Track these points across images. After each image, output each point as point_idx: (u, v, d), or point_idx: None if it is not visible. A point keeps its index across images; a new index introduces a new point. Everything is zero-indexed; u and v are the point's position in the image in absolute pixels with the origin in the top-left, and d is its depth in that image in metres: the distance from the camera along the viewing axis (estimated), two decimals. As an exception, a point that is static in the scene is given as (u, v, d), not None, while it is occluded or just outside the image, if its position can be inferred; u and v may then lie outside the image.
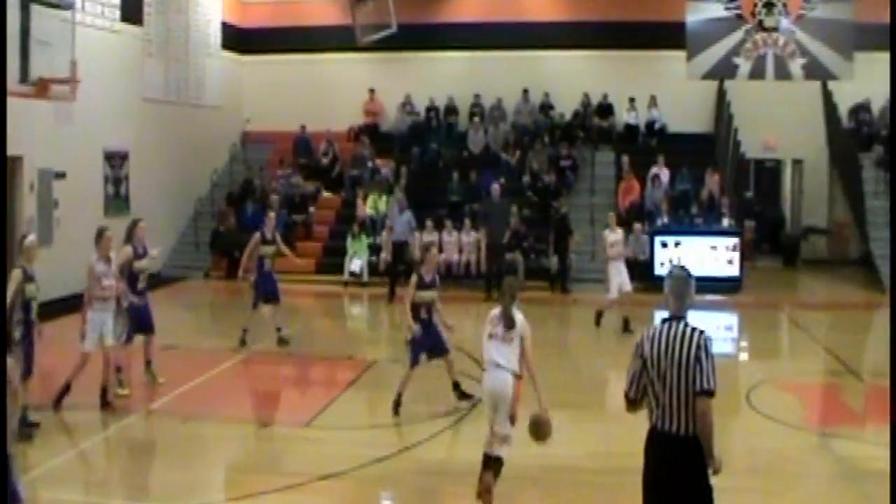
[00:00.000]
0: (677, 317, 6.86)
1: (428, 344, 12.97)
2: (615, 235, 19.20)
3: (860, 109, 28.99)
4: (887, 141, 28.07)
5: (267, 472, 10.81)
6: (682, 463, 6.68)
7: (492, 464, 9.21)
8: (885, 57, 27.65)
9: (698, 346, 6.65)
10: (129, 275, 13.94)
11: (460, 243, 24.94)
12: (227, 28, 30.15)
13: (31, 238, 12.36)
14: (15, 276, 11.53)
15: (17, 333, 11.55)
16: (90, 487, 10.33)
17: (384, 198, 26.07)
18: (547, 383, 14.89)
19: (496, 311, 9.94)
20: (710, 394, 6.62)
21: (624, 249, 19.57)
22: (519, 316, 9.40)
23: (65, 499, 9.86)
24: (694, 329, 6.74)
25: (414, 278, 13.04)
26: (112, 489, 10.48)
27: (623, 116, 29.64)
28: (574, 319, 22.41)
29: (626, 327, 18.99)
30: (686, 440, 6.66)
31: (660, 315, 19.91)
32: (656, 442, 6.79)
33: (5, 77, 14.86)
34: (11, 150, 19.80)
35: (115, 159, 24.18)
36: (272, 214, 18.74)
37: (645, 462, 6.88)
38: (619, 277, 19.03)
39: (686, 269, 7.12)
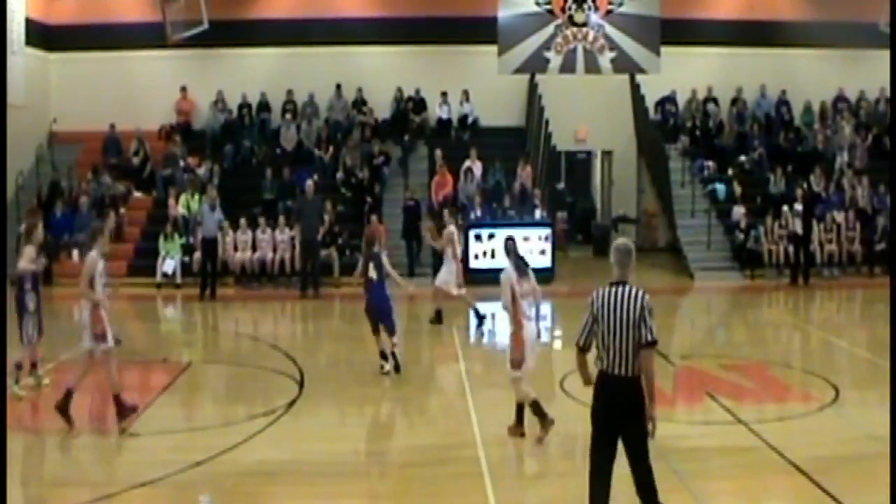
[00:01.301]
0: (622, 281, 8.17)
1: None
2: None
3: (666, 101, 30.05)
4: (690, 132, 29.18)
5: (78, 483, 10.51)
6: (628, 399, 8.03)
7: None
8: (690, 51, 28.95)
9: (643, 306, 8.03)
10: None
11: (275, 241, 24.79)
12: (31, 24, 29.09)
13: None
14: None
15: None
16: None
17: (197, 197, 25.70)
18: (361, 379, 15.13)
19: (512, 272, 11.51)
20: (654, 344, 8.01)
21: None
22: None
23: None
24: (638, 291, 8.11)
25: None
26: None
27: (436, 111, 29.90)
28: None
29: (438, 319, 19.38)
30: (631, 381, 8.01)
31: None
32: (606, 383, 8.11)
33: (5, 77, 14.23)
34: None
35: (-87, 163, 23.20)
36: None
37: (595, 400, 8.23)
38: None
39: (629, 243, 8.48)
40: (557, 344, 18.89)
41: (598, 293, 8.15)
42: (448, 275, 19.31)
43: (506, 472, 10.80)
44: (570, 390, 13.58)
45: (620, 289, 8.12)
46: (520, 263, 11.80)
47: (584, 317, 8.23)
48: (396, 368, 14.94)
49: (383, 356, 15.12)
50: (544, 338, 19.28)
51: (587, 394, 12.95)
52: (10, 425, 12.22)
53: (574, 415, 12.21)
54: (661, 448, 10.77)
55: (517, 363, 11.53)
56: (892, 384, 13.25)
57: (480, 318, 19.26)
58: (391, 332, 15.22)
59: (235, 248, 24.77)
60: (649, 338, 7.97)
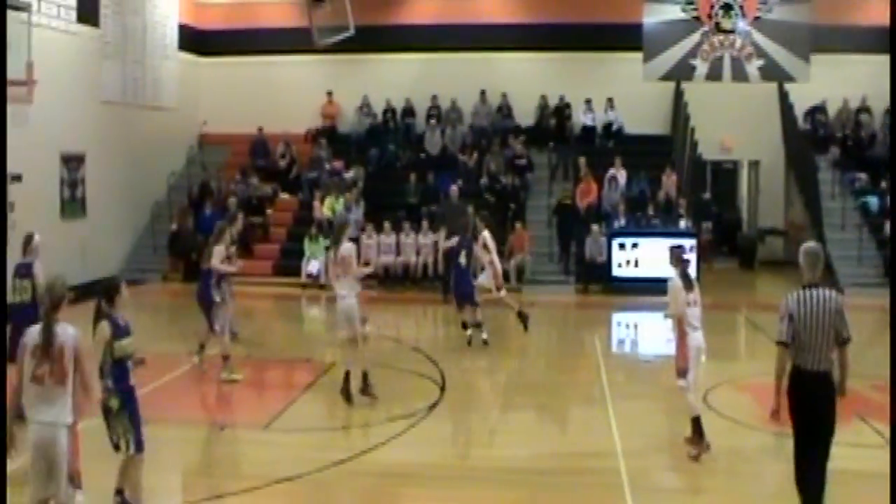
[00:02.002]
0: (815, 284, 8.58)
1: None
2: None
3: (816, 111, 29.24)
4: (841, 143, 28.40)
5: (224, 475, 10.75)
6: (825, 393, 8.52)
7: None
8: (841, 59, 28.08)
9: (838, 306, 8.48)
10: None
11: (418, 245, 24.93)
12: (183, 29, 29.95)
13: (38, 238, 13.57)
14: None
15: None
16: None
17: (341, 199, 26.01)
18: (501, 385, 15.10)
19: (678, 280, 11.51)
20: (849, 341, 8.51)
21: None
22: None
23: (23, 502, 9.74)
24: (831, 292, 8.57)
25: None
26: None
27: (580, 118, 29.70)
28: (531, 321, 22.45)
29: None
30: (827, 375, 8.47)
31: (617, 316, 20.11)
32: (805, 379, 8.47)
33: (5, 77, 14.75)
34: (-35, 153, 19.63)
35: (72, 162, 23.96)
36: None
37: (794, 394, 8.51)
38: None
39: (817, 246, 8.89)
40: (701, 357, 18.55)
41: (794, 295, 8.55)
42: (486, 278, 18.75)
43: (646, 485, 10.59)
44: (713, 404, 13.32)
45: (816, 291, 8.52)
46: (686, 272, 11.66)
47: (781, 317, 8.53)
48: (485, 342, 17.54)
49: (465, 326, 17.86)
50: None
51: (731, 408, 12.79)
52: (158, 416, 12.55)
53: (718, 430, 12.00)
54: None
55: (682, 371, 11.55)
56: (893, 384, 12.69)
57: (524, 319, 18.77)
58: (475, 306, 17.81)
59: (380, 251, 24.98)
60: (846, 335, 8.48)
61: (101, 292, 8.80)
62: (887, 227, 25.41)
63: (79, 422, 7.71)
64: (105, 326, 8.53)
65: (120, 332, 8.63)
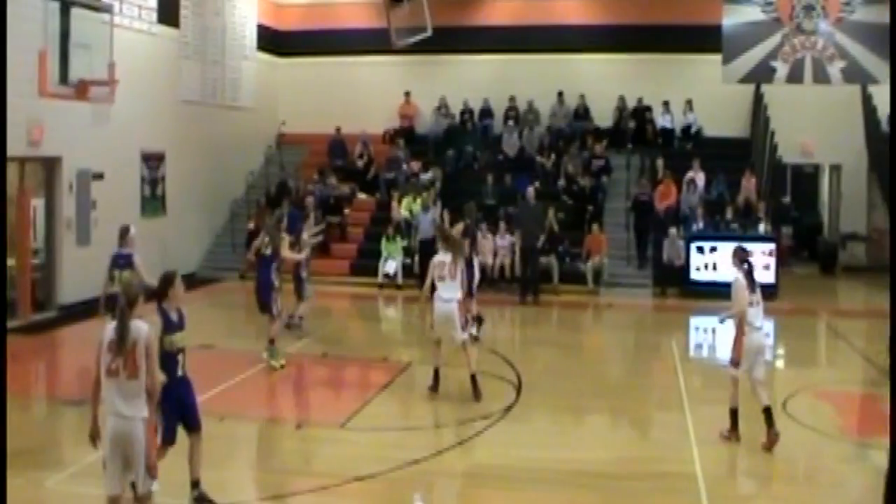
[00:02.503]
0: None
1: None
2: None
3: (901, 113, 28.73)
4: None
5: (300, 472, 10.84)
6: None
7: None
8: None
9: None
10: None
11: (495, 246, 24.88)
12: (262, 30, 30.24)
13: (134, 230, 14.32)
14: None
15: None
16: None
17: (418, 200, 26.05)
18: (577, 388, 15.03)
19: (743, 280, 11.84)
20: None
21: None
22: None
23: (101, 494, 9.89)
24: None
25: None
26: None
27: (658, 120, 29.47)
28: (607, 324, 22.36)
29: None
30: None
31: (695, 321, 19.77)
32: None
33: (5, 77, 14.99)
34: (51, 151, 20.05)
35: (152, 160, 24.31)
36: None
37: None
38: None
39: None
40: (780, 364, 18.31)
41: None
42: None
43: (723, 492, 10.49)
44: (793, 413, 13.15)
45: None
46: (750, 273, 11.99)
47: None
48: None
49: None
50: (767, 357, 18.86)
51: (811, 417, 12.61)
52: (236, 412, 12.66)
53: (796, 438, 11.85)
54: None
55: (735, 362, 11.80)
56: (892, 385, 12.39)
57: (480, 322, 18.64)
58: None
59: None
60: None
61: (158, 285, 9.18)
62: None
63: (153, 415, 7.90)
64: (156, 321, 8.84)
65: (171, 326, 9.03)
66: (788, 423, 12.79)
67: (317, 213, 24.84)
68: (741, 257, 12.27)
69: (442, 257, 14.08)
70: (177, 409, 9.19)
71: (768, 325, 20.58)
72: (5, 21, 14.15)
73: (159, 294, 9.13)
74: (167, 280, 9.14)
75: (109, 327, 7.85)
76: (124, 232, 14.07)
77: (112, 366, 7.71)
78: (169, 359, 8.94)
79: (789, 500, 10.18)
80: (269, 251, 15.94)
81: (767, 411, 11.66)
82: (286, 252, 16.20)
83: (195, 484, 9.32)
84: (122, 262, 13.76)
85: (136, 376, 7.70)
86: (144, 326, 7.84)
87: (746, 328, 11.70)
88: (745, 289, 11.76)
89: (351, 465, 10.69)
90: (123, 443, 7.70)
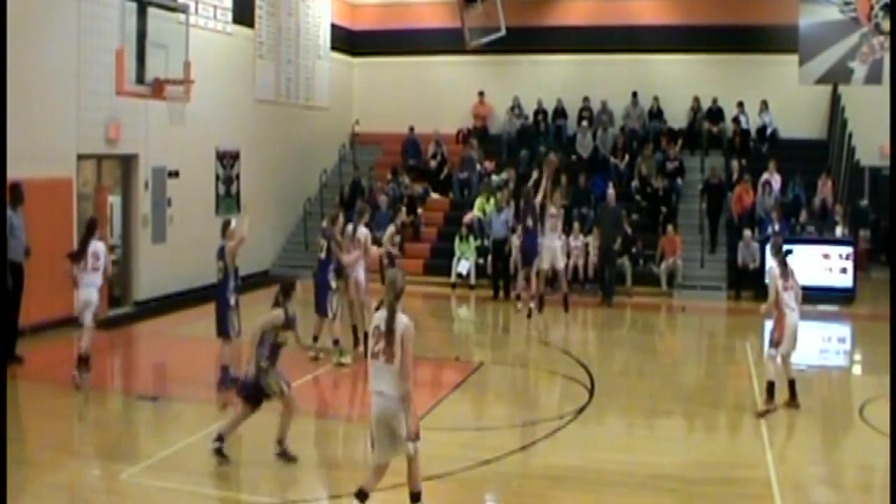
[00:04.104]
0: None
1: None
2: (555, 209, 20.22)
3: (983, 116, 28.21)
4: None
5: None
6: None
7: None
8: None
9: None
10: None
11: (568, 247, 24.80)
12: (336, 30, 30.42)
13: (235, 224, 14.61)
14: (230, 248, 14.07)
15: (232, 300, 14.04)
16: (199, 478, 10.47)
17: (492, 200, 26.04)
18: (650, 391, 14.94)
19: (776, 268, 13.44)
20: None
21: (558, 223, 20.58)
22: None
23: (177, 488, 10.03)
24: None
25: None
26: (220, 480, 10.61)
27: (732, 122, 29.18)
28: (680, 327, 22.20)
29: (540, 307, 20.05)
30: None
31: (770, 324, 19.57)
32: None
33: (5, 75, 15.17)
34: (128, 149, 20.36)
35: (227, 159, 24.56)
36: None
37: None
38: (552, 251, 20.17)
39: None
40: (857, 369, 18.06)
41: None
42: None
43: (798, 499, 10.36)
44: (869, 419, 12.96)
45: None
46: (784, 261, 13.51)
47: None
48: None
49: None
50: (842, 361, 18.64)
51: (887, 424, 12.39)
52: (308, 410, 12.75)
53: (873, 446, 11.69)
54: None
55: (776, 342, 13.41)
56: (892, 384, 12.02)
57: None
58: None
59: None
60: None
61: (280, 287, 11.05)
62: None
63: (409, 394, 8.68)
64: (280, 315, 10.72)
65: (288, 324, 10.80)
66: (865, 430, 12.64)
67: (389, 212, 25.05)
68: (777, 246, 13.82)
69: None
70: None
71: (845, 331, 20.41)
72: (5, 21, 14.36)
73: (284, 294, 10.91)
74: (291, 284, 11.14)
75: (378, 316, 8.85)
76: (226, 226, 14.49)
77: (376, 349, 8.76)
78: (276, 348, 10.71)
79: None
80: (322, 254, 16.37)
81: (792, 384, 13.39)
82: (344, 256, 16.41)
83: (280, 441, 10.87)
84: (220, 253, 14.22)
85: (392, 361, 8.66)
86: (405, 319, 8.77)
87: (786, 310, 13.25)
88: (779, 277, 13.30)
89: (424, 463, 10.64)
90: (385, 417, 8.74)
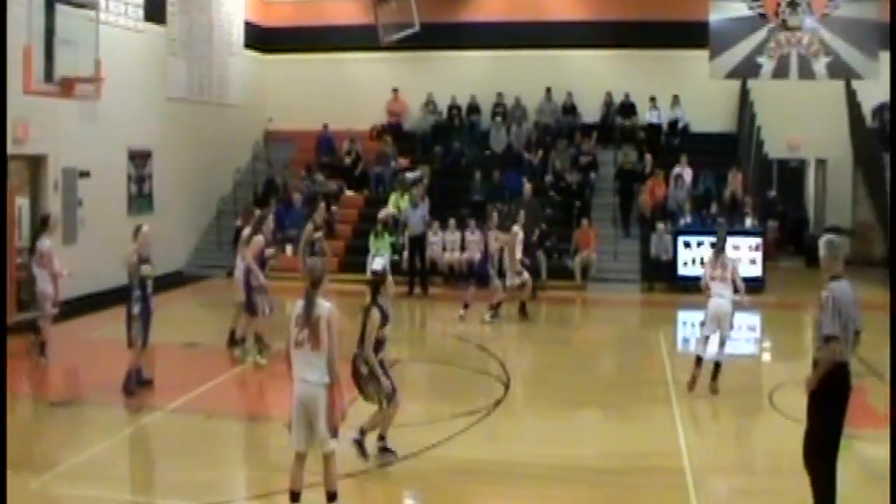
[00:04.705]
0: (840, 275, 8.72)
1: None
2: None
3: (884, 109, 28.83)
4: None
5: (281, 469, 10.79)
6: (850, 381, 8.70)
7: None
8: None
9: (857, 296, 8.70)
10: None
11: (483, 242, 24.91)
12: (250, 27, 30.20)
13: (146, 228, 14.06)
14: (130, 259, 13.59)
15: (135, 309, 13.60)
16: (114, 483, 10.36)
17: (407, 197, 26.05)
18: (566, 384, 15.07)
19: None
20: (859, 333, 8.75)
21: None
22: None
23: (88, 495, 9.91)
24: (850, 285, 8.72)
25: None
26: (136, 485, 10.53)
27: (645, 116, 29.53)
28: (595, 319, 22.42)
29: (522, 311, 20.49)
30: (848, 365, 8.68)
31: (683, 315, 20.00)
32: (845, 371, 8.61)
33: (5, 74, 14.98)
34: (36, 149, 19.97)
35: (139, 158, 24.25)
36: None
37: (833, 386, 8.58)
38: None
39: (839, 237, 9.54)
40: (766, 356, 18.39)
41: (834, 289, 8.62)
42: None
43: (712, 485, 10.54)
44: (778, 404, 13.22)
45: (843, 283, 8.71)
46: (720, 251, 14.70)
47: (831, 311, 8.55)
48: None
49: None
50: (752, 349, 18.95)
51: (796, 409, 12.60)
52: (223, 410, 12.67)
53: (783, 430, 11.90)
54: (875, 472, 10.44)
55: (702, 322, 14.52)
56: (892, 384, 12.41)
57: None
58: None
59: (444, 249, 25.07)
60: (861, 326, 8.78)
61: (371, 285, 11.07)
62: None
63: (338, 383, 8.87)
64: (376, 314, 10.65)
65: (385, 319, 10.74)
66: (775, 415, 12.89)
67: (304, 209, 24.94)
68: (719, 238, 15.26)
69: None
70: None
71: (754, 319, 20.72)
72: (5, 21, 14.15)
73: (375, 291, 10.94)
74: (381, 279, 11.25)
75: (298, 304, 8.90)
76: (137, 230, 14.12)
77: (299, 338, 8.81)
78: (379, 344, 10.72)
79: (775, 492, 10.21)
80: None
81: (717, 366, 14.07)
82: (249, 258, 16.02)
83: (381, 437, 11.01)
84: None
85: (319, 348, 8.75)
86: (327, 304, 8.89)
87: (711, 294, 14.20)
88: (708, 265, 14.60)
89: (341, 461, 10.67)
90: (307, 405, 8.79)
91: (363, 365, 10.58)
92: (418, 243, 24.00)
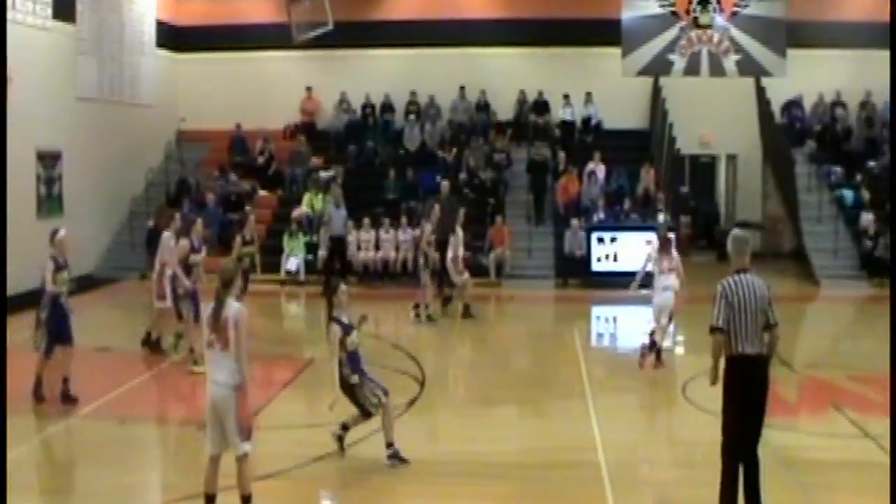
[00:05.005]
0: (745, 269, 8.88)
1: None
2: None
3: (793, 105, 29.47)
4: (818, 136, 28.59)
5: (199, 472, 10.71)
6: (759, 375, 8.75)
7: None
8: (817, 54, 28.26)
9: (767, 291, 8.81)
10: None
11: (397, 241, 24.95)
12: (161, 26, 29.83)
13: (63, 232, 13.69)
14: (48, 266, 13.30)
15: (43, 314, 13.38)
16: (25, 492, 10.16)
17: (321, 196, 25.96)
18: (482, 381, 15.12)
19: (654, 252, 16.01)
20: (777, 325, 8.82)
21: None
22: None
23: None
24: (759, 279, 8.90)
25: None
26: (48, 493, 10.36)
27: (559, 113, 29.73)
28: (510, 316, 22.51)
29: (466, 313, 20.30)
30: (759, 358, 8.72)
31: (596, 310, 20.33)
32: (742, 362, 8.70)
33: (5, 74, 14.69)
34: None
35: (48, 159, 23.79)
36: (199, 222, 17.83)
37: (731, 379, 8.76)
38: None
39: (746, 232, 9.62)
40: (679, 350, 18.61)
41: (728, 282, 8.82)
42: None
43: (627, 478, 10.63)
44: (691, 397, 13.39)
45: (746, 276, 8.84)
46: (662, 246, 15.78)
47: (716, 303, 8.76)
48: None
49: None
50: (665, 342, 19.15)
51: (709, 401, 12.78)
52: (137, 415, 12.53)
53: (696, 422, 12.08)
54: (786, 459, 10.62)
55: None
56: (892, 384, 12.76)
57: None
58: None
59: (359, 248, 25.04)
60: (773, 320, 8.80)
61: (325, 298, 11.46)
62: (863, 219, 25.62)
63: (244, 384, 8.66)
64: (335, 328, 10.92)
65: (347, 329, 10.98)
66: (687, 407, 13.06)
67: (218, 210, 24.74)
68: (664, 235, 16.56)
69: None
70: None
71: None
72: (5, 21, 13.87)
73: (330, 304, 11.22)
74: (333, 290, 11.37)
75: (209, 306, 8.84)
76: (53, 234, 13.79)
77: (209, 339, 8.74)
78: (353, 355, 10.98)
79: (689, 483, 10.35)
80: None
81: (659, 350, 15.37)
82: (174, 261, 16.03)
83: (389, 444, 10.86)
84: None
85: (228, 349, 8.62)
86: (236, 305, 8.74)
87: (657, 288, 15.37)
88: (653, 260, 15.52)
89: (257, 463, 10.61)
90: (217, 406, 8.69)
91: (352, 376, 10.92)
92: (339, 244, 23.86)
